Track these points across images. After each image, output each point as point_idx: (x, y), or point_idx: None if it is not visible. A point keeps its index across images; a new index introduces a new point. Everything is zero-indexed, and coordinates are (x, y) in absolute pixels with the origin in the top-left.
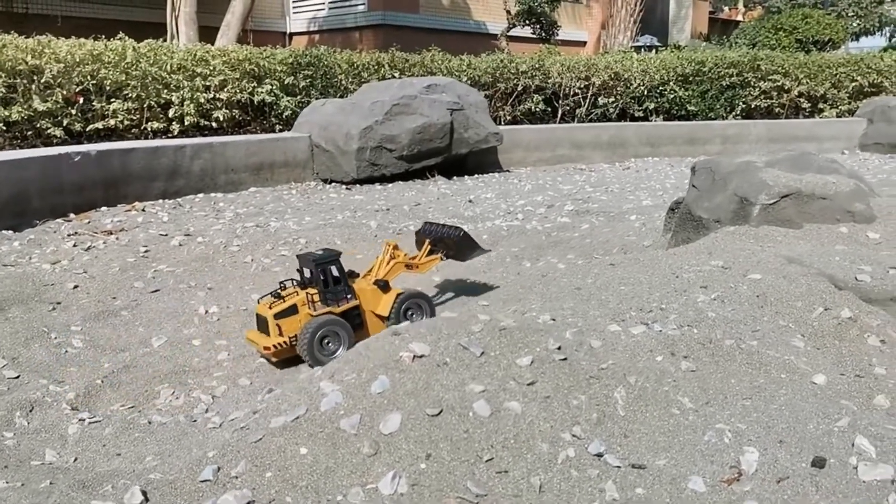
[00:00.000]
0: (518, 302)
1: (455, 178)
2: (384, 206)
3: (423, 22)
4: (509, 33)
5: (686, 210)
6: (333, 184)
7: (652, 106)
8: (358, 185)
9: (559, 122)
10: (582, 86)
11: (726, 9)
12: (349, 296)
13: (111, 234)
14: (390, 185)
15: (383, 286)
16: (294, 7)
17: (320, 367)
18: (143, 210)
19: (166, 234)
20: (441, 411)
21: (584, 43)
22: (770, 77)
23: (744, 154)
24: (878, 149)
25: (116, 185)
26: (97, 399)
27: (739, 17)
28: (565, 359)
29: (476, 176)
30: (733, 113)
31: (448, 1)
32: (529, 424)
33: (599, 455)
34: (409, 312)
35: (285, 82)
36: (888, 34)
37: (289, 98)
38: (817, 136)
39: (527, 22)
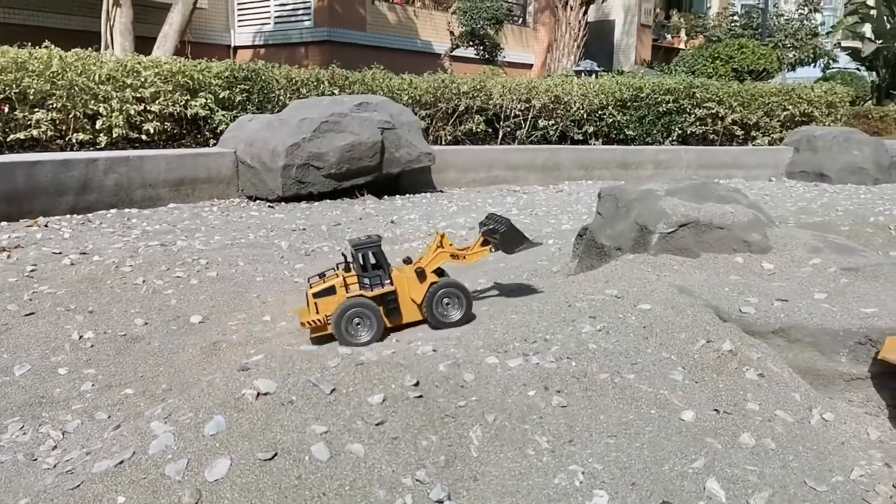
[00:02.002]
0: (408, 331)
1: (386, 197)
2: (302, 226)
3: (370, 40)
4: (453, 53)
5: (590, 237)
6: (258, 201)
7: (591, 129)
8: (283, 203)
9: (500, 143)
10: (523, 108)
11: (668, 37)
12: (386, 281)
13: (4, 251)
14: (316, 203)
15: (420, 273)
16: (239, 20)
17: (160, 406)
18: (46, 226)
19: (60, 252)
20: (275, 455)
21: (531, 65)
22: (705, 104)
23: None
24: (803, 177)
25: (20, 200)
26: None
27: (681, 45)
28: (421, 396)
29: (407, 196)
30: (670, 138)
31: (395, 19)
32: (370, 469)
33: (440, 502)
34: (446, 301)
35: (220, 96)
36: (822, 65)
37: (224, 112)
38: (746, 163)
39: (470, 43)
